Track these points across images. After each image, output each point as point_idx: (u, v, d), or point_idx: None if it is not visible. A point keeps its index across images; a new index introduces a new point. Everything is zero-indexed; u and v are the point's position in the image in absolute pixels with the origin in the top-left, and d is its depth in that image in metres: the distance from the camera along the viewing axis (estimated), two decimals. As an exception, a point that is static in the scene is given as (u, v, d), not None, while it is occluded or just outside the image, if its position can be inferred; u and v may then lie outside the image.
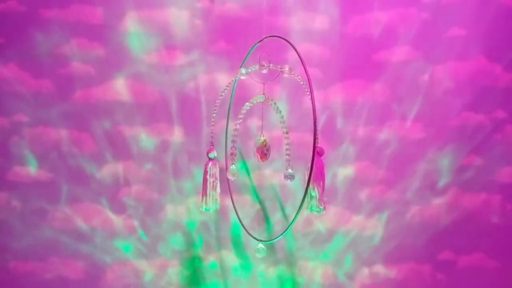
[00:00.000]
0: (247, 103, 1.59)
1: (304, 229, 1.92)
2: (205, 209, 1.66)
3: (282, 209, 1.91)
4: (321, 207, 1.55)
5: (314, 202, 1.55)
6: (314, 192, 1.55)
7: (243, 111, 1.58)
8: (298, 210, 1.55)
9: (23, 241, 1.91)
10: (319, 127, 1.70)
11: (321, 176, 1.55)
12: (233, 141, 1.57)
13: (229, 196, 1.83)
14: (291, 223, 1.59)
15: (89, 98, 1.91)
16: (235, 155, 1.56)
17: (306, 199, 1.55)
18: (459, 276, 1.92)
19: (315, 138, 1.50)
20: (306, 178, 1.55)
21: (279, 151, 1.86)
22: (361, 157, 1.92)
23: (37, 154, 1.91)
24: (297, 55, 1.56)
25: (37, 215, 1.91)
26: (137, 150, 1.92)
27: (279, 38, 1.64)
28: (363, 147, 1.91)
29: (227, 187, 1.82)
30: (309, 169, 1.51)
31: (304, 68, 1.53)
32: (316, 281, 1.92)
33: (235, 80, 1.76)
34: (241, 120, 1.59)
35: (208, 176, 1.64)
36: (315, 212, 1.56)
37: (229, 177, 1.60)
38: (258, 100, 1.61)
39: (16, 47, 1.91)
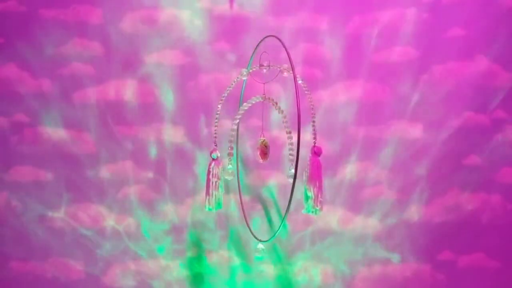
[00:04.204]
0: (245, 103, 1.60)
1: (304, 229, 1.92)
2: (209, 208, 1.66)
3: (281, 209, 1.91)
4: (318, 208, 1.55)
5: (311, 203, 1.55)
6: (310, 192, 1.55)
7: (241, 111, 1.58)
8: (286, 211, 1.55)
9: (23, 241, 1.91)
10: (318, 127, 1.70)
11: (317, 177, 1.55)
12: (230, 141, 1.58)
13: (229, 195, 1.84)
14: (282, 222, 1.59)
15: (89, 98, 1.91)
16: (233, 155, 1.56)
17: (304, 200, 1.56)
18: (459, 276, 1.91)
19: (298, 138, 1.49)
20: (304, 178, 1.55)
21: (279, 151, 1.87)
22: (361, 157, 1.92)
23: (37, 154, 1.91)
24: (295, 55, 1.56)
25: (37, 215, 1.91)
26: (137, 150, 1.92)
27: (276, 38, 1.64)
28: (362, 147, 1.91)
29: (228, 187, 1.83)
30: (295, 169, 1.51)
31: (292, 68, 1.53)
32: (316, 281, 1.92)
33: (244, 81, 1.77)
34: (238, 120, 1.60)
35: (211, 176, 1.65)
36: (311, 213, 1.56)
37: (226, 177, 1.61)
38: (257, 100, 1.61)
39: (16, 47, 1.91)
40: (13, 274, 1.91)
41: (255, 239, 1.70)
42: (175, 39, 1.92)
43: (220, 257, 1.93)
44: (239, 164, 1.90)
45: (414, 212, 1.91)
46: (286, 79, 1.77)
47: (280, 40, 1.59)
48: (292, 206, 1.56)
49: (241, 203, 1.85)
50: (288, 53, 1.54)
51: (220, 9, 1.92)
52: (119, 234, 1.92)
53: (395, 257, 1.92)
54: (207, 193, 1.65)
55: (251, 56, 1.72)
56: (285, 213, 1.56)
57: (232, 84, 1.66)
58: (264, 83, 1.64)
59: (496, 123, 1.91)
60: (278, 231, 1.63)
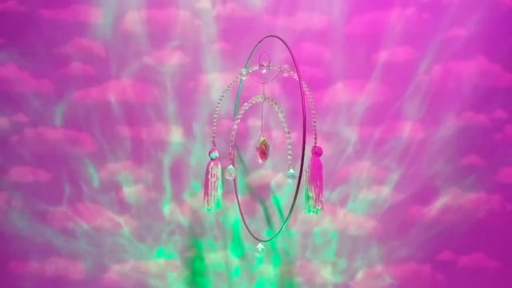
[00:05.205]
0: (246, 103, 1.60)
1: (304, 229, 1.92)
2: (207, 209, 1.67)
3: (281, 209, 1.91)
4: (319, 208, 1.55)
5: (311, 203, 1.55)
6: (311, 192, 1.55)
7: (242, 111, 1.58)
8: (290, 211, 1.55)
9: (23, 241, 1.91)
10: (318, 127, 1.70)
11: (318, 177, 1.55)
12: (231, 141, 1.58)
13: (229, 195, 1.84)
14: (285, 222, 1.60)
15: (88, 98, 1.91)
16: (233, 155, 1.57)
17: (305, 200, 1.56)
18: (459, 276, 1.91)
19: (304, 138, 1.50)
20: (305, 178, 1.56)
21: (278, 151, 1.87)
22: (361, 157, 1.92)
23: (37, 154, 1.91)
24: (295, 55, 1.56)
25: (37, 215, 1.91)
26: (137, 150, 1.92)
27: (278, 38, 1.65)
28: (362, 147, 1.91)
29: (228, 187, 1.83)
30: (302, 170, 1.52)
31: (296, 68, 1.53)
32: (316, 281, 1.92)
33: (241, 81, 1.77)
34: (239, 120, 1.60)
35: (209, 176, 1.65)
36: (312, 213, 1.56)
37: (227, 177, 1.61)
38: (257, 100, 1.62)
39: (16, 47, 1.91)
40: (13, 274, 1.91)
41: (255, 239, 1.70)
42: (175, 39, 1.92)
43: (220, 257, 1.92)
44: (239, 164, 1.90)
45: (414, 212, 1.91)
46: (286, 79, 1.77)
47: (282, 40, 1.59)
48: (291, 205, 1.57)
49: (238, 203, 1.85)
50: (291, 53, 1.55)
51: (220, 9, 1.92)
52: (119, 234, 1.92)
53: (395, 257, 1.92)
54: (206, 193, 1.66)
55: (249, 56, 1.72)
56: (289, 214, 1.56)
57: (231, 84, 1.66)
58: (264, 83, 1.65)
59: (496, 123, 1.91)
60: (281, 231, 1.63)
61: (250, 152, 1.90)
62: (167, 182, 1.92)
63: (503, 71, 1.91)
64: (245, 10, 1.92)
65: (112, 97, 1.91)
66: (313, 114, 1.63)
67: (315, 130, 1.61)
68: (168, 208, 1.92)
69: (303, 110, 1.50)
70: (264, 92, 1.64)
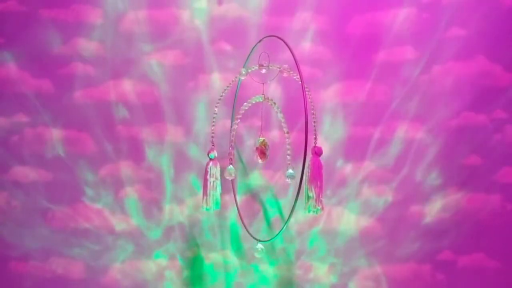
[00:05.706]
0: (245, 103, 1.60)
1: (304, 229, 1.92)
2: (206, 209, 1.66)
3: (281, 209, 1.91)
4: (319, 208, 1.56)
5: (312, 203, 1.56)
6: (312, 192, 1.55)
7: (242, 111, 1.58)
8: (291, 211, 1.55)
9: (23, 241, 1.91)
10: (318, 127, 1.70)
11: (318, 176, 1.55)
12: (231, 141, 1.58)
13: (228, 195, 1.84)
14: (286, 223, 1.60)
15: (89, 98, 1.91)
16: (233, 155, 1.57)
17: (305, 200, 1.56)
18: (459, 276, 1.91)
19: (306, 138, 1.50)
20: (305, 178, 1.56)
21: (278, 151, 1.87)
22: (361, 157, 1.91)
23: (37, 154, 1.91)
24: (295, 55, 1.56)
25: (37, 215, 1.91)
26: (137, 150, 1.92)
27: (279, 38, 1.65)
28: (362, 147, 1.91)
29: (228, 187, 1.83)
30: (302, 169, 1.52)
31: (298, 69, 1.53)
32: (316, 281, 1.92)
33: (239, 81, 1.77)
34: (239, 120, 1.60)
35: (208, 176, 1.65)
36: (312, 213, 1.56)
37: (227, 177, 1.61)
38: (257, 100, 1.62)
39: (16, 47, 1.91)
40: (13, 274, 1.91)
41: (255, 239, 1.70)
42: (175, 39, 1.92)
43: (219, 257, 1.93)
44: (238, 164, 1.90)
45: (414, 212, 1.91)
46: (286, 79, 1.77)
47: (283, 40, 1.59)
48: (291, 205, 1.57)
49: (236, 203, 1.85)
50: (292, 53, 1.54)
51: (220, 9, 1.92)
52: (119, 234, 1.92)
53: (394, 257, 1.91)
54: (205, 193, 1.66)
55: (248, 56, 1.72)
56: (290, 214, 1.56)
57: (230, 84, 1.67)
58: (263, 83, 1.65)
59: (496, 123, 1.91)
60: (281, 231, 1.63)
61: (249, 152, 1.90)
62: (167, 182, 1.92)
63: (503, 71, 1.90)
64: (244, 10, 1.92)
65: (112, 97, 1.92)
66: (313, 114, 1.63)
67: (315, 130, 1.61)
68: (167, 208, 1.92)
69: (305, 111, 1.50)
70: (263, 92, 1.64)
